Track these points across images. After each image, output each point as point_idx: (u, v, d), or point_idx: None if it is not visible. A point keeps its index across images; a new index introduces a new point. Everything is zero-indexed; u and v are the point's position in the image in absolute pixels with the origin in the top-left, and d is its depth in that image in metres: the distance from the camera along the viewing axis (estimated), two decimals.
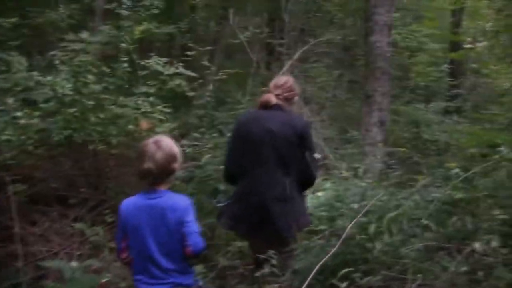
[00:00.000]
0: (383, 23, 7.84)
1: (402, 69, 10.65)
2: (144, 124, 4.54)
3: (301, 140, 3.33)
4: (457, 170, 3.94)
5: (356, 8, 9.99)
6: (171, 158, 2.52)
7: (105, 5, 7.38)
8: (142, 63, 5.82)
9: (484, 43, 4.78)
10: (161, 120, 4.70)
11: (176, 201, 2.51)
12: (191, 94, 5.62)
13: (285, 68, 5.31)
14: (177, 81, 5.18)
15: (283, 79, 3.65)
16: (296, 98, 3.66)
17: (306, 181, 3.51)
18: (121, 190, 4.97)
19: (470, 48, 4.74)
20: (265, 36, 9.27)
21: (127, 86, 4.95)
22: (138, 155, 2.54)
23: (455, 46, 11.30)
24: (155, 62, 5.87)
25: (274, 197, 3.27)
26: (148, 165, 2.45)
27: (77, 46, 5.50)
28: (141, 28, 5.47)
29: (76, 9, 7.97)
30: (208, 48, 7.19)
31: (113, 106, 4.54)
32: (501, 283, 3.29)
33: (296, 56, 6.75)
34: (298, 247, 3.39)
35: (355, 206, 3.87)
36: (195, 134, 5.28)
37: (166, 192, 2.54)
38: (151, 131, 4.46)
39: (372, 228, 3.59)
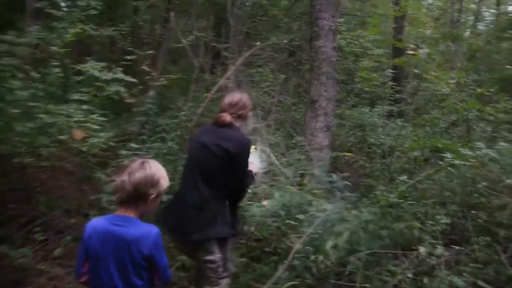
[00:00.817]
0: (328, 28, 7.82)
1: (347, 73, 10.73)
2: (78, 133, 4.24)
3: (233, 159, 3.38)
4: (404, 177, 3.90)
5: (301, 12, 9.98)
6: (151, 181, 2.39)
7: (36, 4, 6.97)
8: (78, 67, 5.50)
9: (426, 50, 4.84)
10: (95, 129, 4.39)
11: (144, 234, 2.36)
12: (130, 100, 5.30)
13: (229, 73, 5.11)
14: (114, 87, 4.88)
15: (237, 97, 3.65)
16: (250, 113, 3.71)
17: (233, 196, 3.54)
18: (55, 204, 4.65)
19: (413, 55, 4.78)
20: (210, 40, 9.07)
21: (59, 92, 4.60)
22: (120, 170, 2.43)
23: (398, 51, 11.54)
24: (92, 67, 5.56)
25: (191, 204, 3.34)
26: (124, 178, 2.36)
27: (1, 47, 5.11)
28: (74, 30, 5.11)
29: (3, 7, 7.51)
30: (149, 52, 6.88)
31: (43, 115, 4.20)
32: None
33: (240, 61, 6.58)
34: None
35: (302, 217, 3.80)
36: (133, 144, 4.99)
37: (134, 221, 2.40)
38: (85, 141, 4.17)
39: (327, 245, 3.52)
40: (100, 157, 4.95)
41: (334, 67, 7.91)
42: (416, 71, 8.30)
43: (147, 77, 5.78)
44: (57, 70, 4.83)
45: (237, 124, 3.57)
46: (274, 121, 8.25)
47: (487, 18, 17.33)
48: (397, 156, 6.96)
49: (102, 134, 4.40)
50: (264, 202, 5.49)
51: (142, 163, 2.42)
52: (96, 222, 2.42)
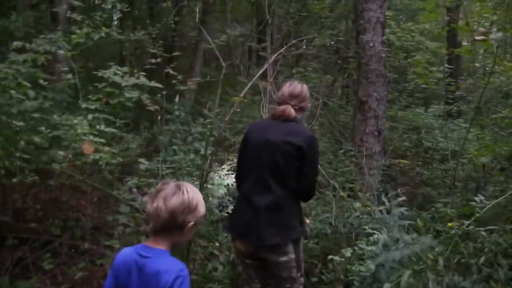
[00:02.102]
0: (376, 20, 7.04)
1: (398, 70, 9.81)
2: (87, 147, 3.66)
3: (304, 156, 3.16)
4: (481, 197, 3.07)
5: (347, 6, 9.17)
6: (189, 208, 2.17)
7: (68, 12, 6.54)
8: (99, 74, 4.95)
9: (499, 34, 4.01)
10: (108, 143, 3.82)
11: (167, 270, 2.11)
12: (153, 107, 4.72)
13: (259, 73, 4.43)
14: (132, 93, 4.30)
15: (298, 87, 3.36)
16: (309, 106, 3.49)
17: (303, 197, 3.37)
18: (68, 226, 4.11)
19: (482, 40, 3.96)
20: (246, 41, 8.42)
21: (69, 101, 4.05)
22: (152, 195, 2.22)
23: (454, 44, 10.54)
24: (113, 73, 5.00)
25: (265, 206, 3.15)
26: (157, 204, 2.12)
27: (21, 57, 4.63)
28: (80, 32, 4.55)
29: (32, 17, 7.12)
30: (176, 54, 6.29)
31: (50, 128, 3.65)
32: None
33: (271, 60, 5.87)
34: None
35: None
36: (142, 160, 4.40)
37: (162, 253, 2.17)
38: (95, 155, 3.59)
39: None
40: (118, 172, 4.39)
41: (384, 64, 7.12)
42: (477, 64, 7.31)
43: (174, 81, 5.16)
44: (69, 76, 4.25)
45: (298, 117, 3.31)
46: (319, 126, 7.49)
47: None
48: (461, 163, 6.04)
49: (111, 147, 3.80)
50: (307, 220, 4.81)
51: (178, 187, 2.19)
52: (126, 252, 2.26)
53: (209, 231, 5.10)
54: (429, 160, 7.84)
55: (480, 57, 11.24)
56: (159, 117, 5.17)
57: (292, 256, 3.21)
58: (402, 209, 4.68)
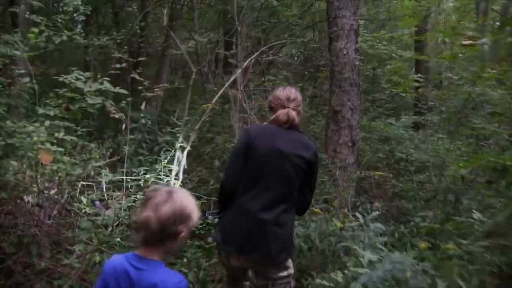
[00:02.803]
0: (349, 27, 6.85)
1: (368, 80, 9.70)
2: (45, 156, 3.28)
3: (309, 167, 3.06)
4: (478, 214, 2.85)
5: (317, 13, 8.99)
6: (181, 217, 2.08)
7: (26, 13, 6.13)
8: (61, 79, 4.59)
9: (485, 40, 3.86)
10: (68, 152, 3.45)
11: (163, 281, 2.03)
12: (117, 115, 4.37)
13: (230, 80, 4.15)
14: (98, 99, 3.94)
15: (293, 91, 3.23)
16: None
17: (302, 210, 3.28)
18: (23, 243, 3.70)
19: (470, 45, 3.80)
20: (214, 47, 8.12)
21: (26, 107, 3.65)
22: (142, 202, 2.13)
23: (421, 53, 10.52)
24: (75, 78, 4.64)
25: (271, 219, 2.97)
26: (148, 214, 2.04)
27: None
28: (35, 31, 4.18)
29: None
30: (142, 59, 5.93)
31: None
32: None
33: (243, 67, 5.59)
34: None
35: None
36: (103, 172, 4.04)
37: (157, 265, 2.09)
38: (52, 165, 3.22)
39: None
40: (80, 184, 4.01)
41: (357, 72, 6.93)
42: (450, 75, 7.22)
43: (140, 88, 4.81)
44: (27, 80, 3.85)
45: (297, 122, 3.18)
46: None
47: None
48: (440, 174, 5.88)
49: (71, 157, 3.44)
50: None
51: (169, 194, 2.10)
52: (117, 261, 2.15)
53: None
54: (402, 172, 7.69)
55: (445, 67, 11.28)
56: (124, 126, 4.81)
57: (292, 271, 3.10)
58: (379, 224, 4.48)
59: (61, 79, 4.69)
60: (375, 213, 4.61)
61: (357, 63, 6.87)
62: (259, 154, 3.02)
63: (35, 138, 3.04)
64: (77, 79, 4.81)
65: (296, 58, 10.82)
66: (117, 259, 2.16)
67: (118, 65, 5.31)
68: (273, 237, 2.95)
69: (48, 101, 3.70)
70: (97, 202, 5.57)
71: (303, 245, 4.65)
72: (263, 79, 7.23)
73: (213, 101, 3.70)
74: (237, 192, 3.05)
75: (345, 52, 6.77)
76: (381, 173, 6.35)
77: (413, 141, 8.34)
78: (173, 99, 9.39)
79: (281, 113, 3.09)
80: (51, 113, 3.47)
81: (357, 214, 4.64)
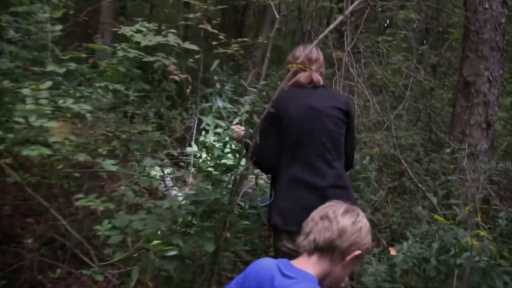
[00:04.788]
0: None
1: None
2: (64, 128, 2.43)
3: (348, 119, 2.93)
4: None
5: None
6: (360, 232, 1.92)
7: None
8: (120, 31, 3.74)
9: None
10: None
11: None
12: (177, 77, 3.45)
13: (331, 27, 3.10)
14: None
15: (314, 51, 2.98)
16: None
17: (349, 166, 3.10)
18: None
19: None
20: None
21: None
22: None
23: None
24: (136, 30, 3.76)
25: (330, 184, 2.77)
26: (326, 218, 1.94)
27: None
28: None
29: None
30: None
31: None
32: None
33: (348, 13, 4.29)
34: None
35: None
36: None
37: (309, 279, 1.87)
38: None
39: None
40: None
41: (502, 33, 5.40)
42: None
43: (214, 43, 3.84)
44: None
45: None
46: (406, 111, 5.88)
47: None
48: None
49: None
50: (392, 251, 3.51)
51: (351, 208, 1.98)
52: (265, 263, 2.00)
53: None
54: None
55: None
56: (189, 90, 3.86)
57: None
58: None
59: (120, 31, 3.78)
60: None
61: (503, 20, 5.31)
62: (293, 119, 2.80)
63: (28, 106, 2.16)
64: (138, 31, 3.85)
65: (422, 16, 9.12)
66: (266, 262, 2.04)
67: (192, 15, 4.29)
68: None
69: (64, 55, 2.78)
70: (168, 181, 4.75)
71: (424, 264, 3.43)
72: (377, 39, 5.88)
73: (300, 60, 2.80)
74: (280, 165, 2.82)
75: (486, 6, 5.34)
76: None
77: None
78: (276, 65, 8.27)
79: (302, 75, 2.90)
80: (61, 70, 2.55)
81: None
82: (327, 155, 2.79)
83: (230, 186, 2.95)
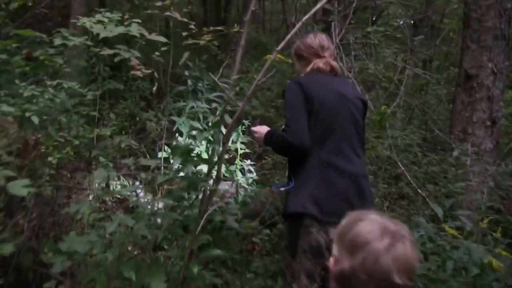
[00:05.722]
0: None
1: None
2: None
3: (365, 111, 2.89)
4: None
5: None
6: (412, 267, 1.42)
7: None
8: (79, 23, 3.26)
9: None
10: None
11: None
12: (139, 72, 2.96)
13: (311, 13, 2.74)
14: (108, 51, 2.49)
15: (325, 38, 2.91)
16: None
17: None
18: None
19: None
20: None
21: None
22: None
23: None
24: (95, 21, 3.31)
25: (360, 173, 2.71)
26: (403, 249, 1.35)
27: None
28: None
29: None
30: None
31: None
32: None
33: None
34: None
35: None
36: None
37: None
38: None
39: None
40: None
41: (507, 20, 4.95)
42: None
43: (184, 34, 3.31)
44: None
45: None
46: (401, 107, 5.37)
47: None
48: None
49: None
50: None
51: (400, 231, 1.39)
52: None
53: None
54: None
55: None
56: (155, 88, 3.33)
57: None
58: None
59: (79, 22, 3.36)
60: None
61: (509, 6, 4.83)
62: (325, 103, 2.69)
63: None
64: (99, 21, 3.41)
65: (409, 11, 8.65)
66: None
67: (159, 3, 3.78)
68: (369, 192, 2.73)
69: None
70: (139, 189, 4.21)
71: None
72: (368, 29, 5.35)
73: (280, 47, 2.51)
74: (311, 149, 2.67)
75: None
76: None
77: None
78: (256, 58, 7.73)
79: (320, 62, 2.81)
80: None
81: None
82: (354, 144, 2.74)
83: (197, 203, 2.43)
